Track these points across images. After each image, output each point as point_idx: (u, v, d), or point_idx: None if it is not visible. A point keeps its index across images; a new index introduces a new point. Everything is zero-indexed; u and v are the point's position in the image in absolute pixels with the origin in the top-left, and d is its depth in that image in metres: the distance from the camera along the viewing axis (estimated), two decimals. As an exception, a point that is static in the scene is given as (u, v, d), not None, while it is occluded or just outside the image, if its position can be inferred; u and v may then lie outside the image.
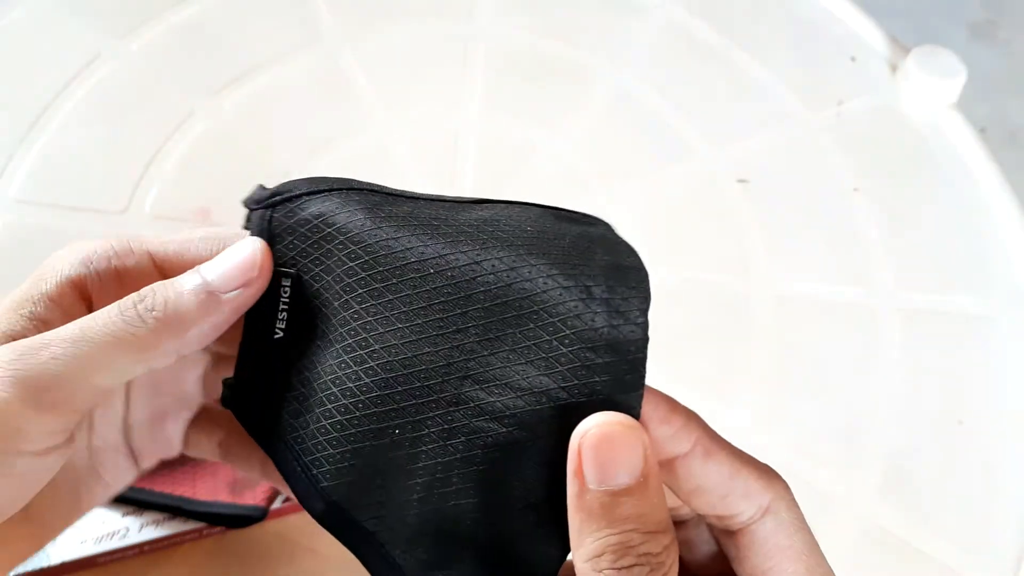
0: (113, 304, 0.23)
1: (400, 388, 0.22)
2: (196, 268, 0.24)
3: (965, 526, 0.46)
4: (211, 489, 0.40)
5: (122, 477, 0.28)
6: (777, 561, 0.22)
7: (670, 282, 0.53)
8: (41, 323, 0.23)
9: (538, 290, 0.22)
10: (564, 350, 0.22)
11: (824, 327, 0.52)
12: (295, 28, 0.62)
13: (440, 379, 0.22)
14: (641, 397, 0.22)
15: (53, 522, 0.26)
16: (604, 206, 0.56)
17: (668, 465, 0.23)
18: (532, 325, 0.22)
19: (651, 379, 0.23)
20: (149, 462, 0.28)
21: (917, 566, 0.45)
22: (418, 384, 0.22)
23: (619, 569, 0.20)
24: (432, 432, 0.22)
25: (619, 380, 0.22)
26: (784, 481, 0.23)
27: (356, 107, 0.58)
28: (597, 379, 0.22)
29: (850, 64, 0.65)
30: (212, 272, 0.23)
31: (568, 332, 0.22)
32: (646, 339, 0.22)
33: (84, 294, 0.24)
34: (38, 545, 0.25)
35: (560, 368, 0.22)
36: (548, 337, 0.22)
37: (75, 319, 0.23)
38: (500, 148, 0.58)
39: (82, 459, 0.26)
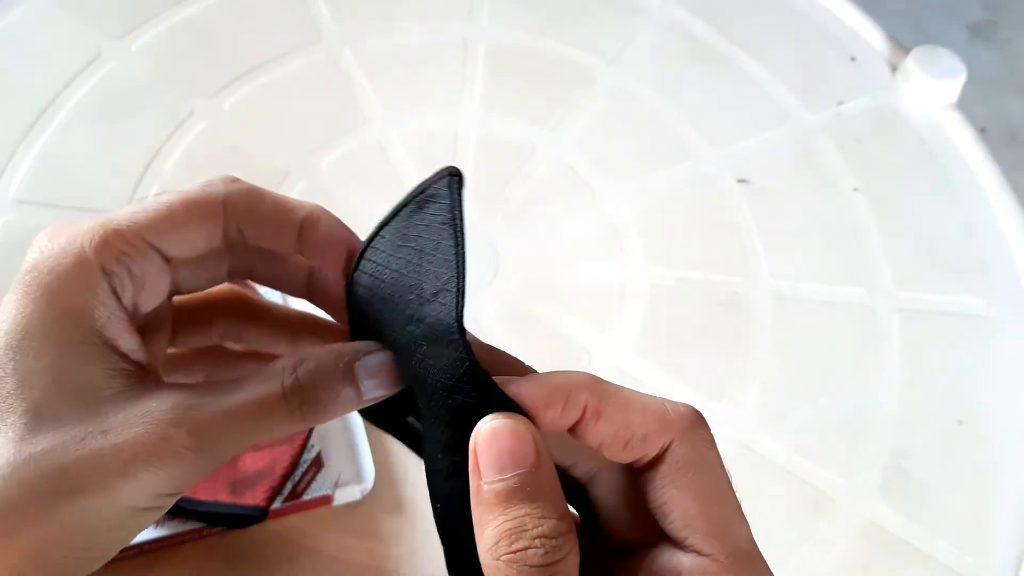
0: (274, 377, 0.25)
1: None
2: (354, 375, 0.26)
3: (965, 526, 0.46)
4: (211, 489, 0.40)
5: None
6: (669, 496, 0.23)
7: (670, 282, 0.53)
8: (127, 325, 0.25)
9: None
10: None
11: (824, 327, 0.52)
12: (295, 28, 0.62)
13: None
14: (492, 390, 0.23)
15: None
16: (604, 206, 0.56)
17: (572, 432, 0.24)
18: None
19: (652, 378, 0.23)
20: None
21: (917, 566, 0.45)
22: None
23: (514, 552, 0.21)
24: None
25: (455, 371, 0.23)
26: (690, 420, 0.24)
27: (356, 107, 0.58)
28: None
29: (850, 64, 0.65)
30: (366, 375, 0.25)
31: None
32: (454, 323, 0.23)
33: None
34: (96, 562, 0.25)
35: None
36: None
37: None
38: (500, 148, 0.58)
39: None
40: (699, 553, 0.23)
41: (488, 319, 0.50)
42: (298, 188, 0.54)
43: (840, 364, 0.51)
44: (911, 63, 0.62)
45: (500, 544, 0.21)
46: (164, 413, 0.23)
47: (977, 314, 0.53)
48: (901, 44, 0.65)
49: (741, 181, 0.58)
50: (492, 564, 0.21)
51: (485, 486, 0.22)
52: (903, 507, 0.46)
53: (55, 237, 0.25)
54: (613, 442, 0.24)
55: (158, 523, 0.39)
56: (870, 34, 0.66)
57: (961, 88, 0.62)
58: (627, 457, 0.24)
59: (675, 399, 0.24)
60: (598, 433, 0.24)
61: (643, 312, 0.52)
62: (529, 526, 0.21)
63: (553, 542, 0.21)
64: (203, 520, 0.40)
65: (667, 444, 0.24)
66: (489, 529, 0.21)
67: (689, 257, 0.54)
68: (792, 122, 0.61)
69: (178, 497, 0.24)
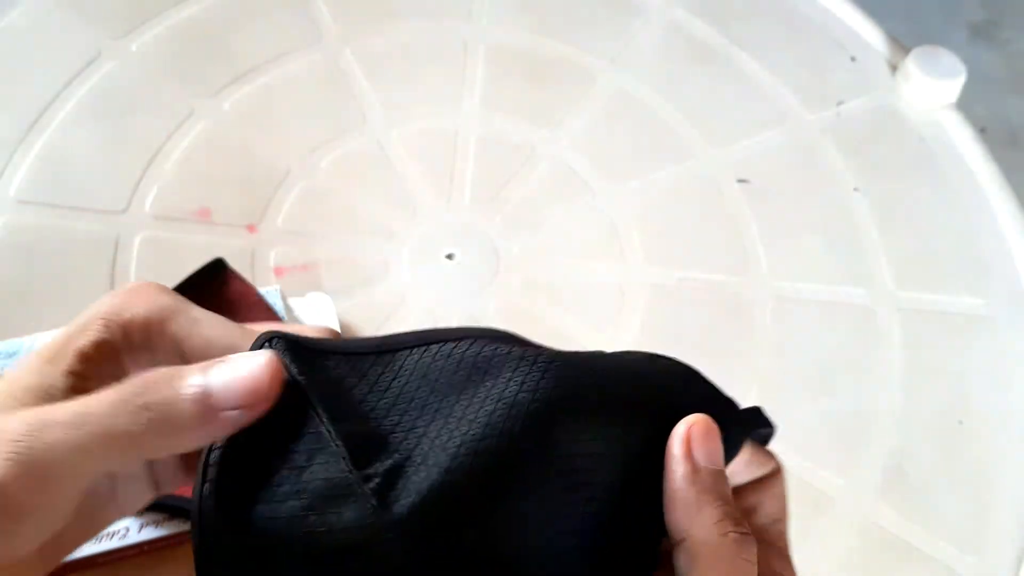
0: (118, 389, 0.22)
1: None
2: (204, 367, 0.23)
3: (965, 526, 0.46)
4: (211, 489, 0.40)
5: (138, 502, 0.28)
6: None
7: (670, 282, 0.53)
8: (77, 377, 0.23)
9: None
10: None
11: (824, 327, 0.52)
12: (295, 28, 0.62)
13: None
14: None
15: (62, 547, 0.25)
16: (604, 206, 0.56)
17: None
18: None
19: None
20: (169, 489, 0.28)
21: (917, 566, 0.45)
22: None
23: (741, 534, 0.23)
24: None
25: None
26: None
27: (356, 107, 0.58)
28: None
29: (850, 64, 0.65)
30: (217, 379, 0.23)
31: None
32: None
33: (115, 352, 0.24)
34: (48, 566, 0.25)
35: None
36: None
37: (105, 380, 0.22)
38: (500, 148, 0.58)
39: (102, 486, 0.26)
40: None
41: (488, 319, 0.50)
42: (298, 188, 0.54)
43: (840, 364, 0.51)
44: (911, 63, 0.62)
45: (725, 522, 0.23)
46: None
47: (977, 314, 0.53)
48: (901, 44, 0.65)
49: (741, 181, 0.58)
50: (718, 540, 0.22)
51: (703, 471, 0.23)
52: (903, 507, 0.46)
53: None
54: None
55: (158, 523, 0.39)
56: (870, 34, 0.66)
57: (961, 88, 0.62)
58: None
59: None
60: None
61: (643, 312, 0.52)
62: (738, 517, 0.23)
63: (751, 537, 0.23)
64: (203, 520, 0.40)
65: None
66: (711, 508, 0.23)
67: (689, 257, 0.54)
68: (792, 122, 0.61)
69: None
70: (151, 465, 0.27)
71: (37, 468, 0.21)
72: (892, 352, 0.51)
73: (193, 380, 0.23)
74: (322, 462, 0.22)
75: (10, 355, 0.41)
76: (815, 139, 0.60)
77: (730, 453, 0.25)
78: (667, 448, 0.24)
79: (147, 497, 0.28)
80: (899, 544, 0.45)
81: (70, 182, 0.53)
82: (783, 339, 0.51)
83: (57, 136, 0.55)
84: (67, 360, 0.24)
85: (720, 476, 0.24)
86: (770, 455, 0.27)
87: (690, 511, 0.23)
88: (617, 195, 0.57)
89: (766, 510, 0.27)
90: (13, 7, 0.60)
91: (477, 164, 0.57)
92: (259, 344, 0.24)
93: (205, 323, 0.25)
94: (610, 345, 0.50)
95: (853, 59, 0.65)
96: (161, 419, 0.22)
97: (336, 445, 0.22)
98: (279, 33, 0.61)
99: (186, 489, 0.29)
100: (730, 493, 0.24)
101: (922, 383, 0.50)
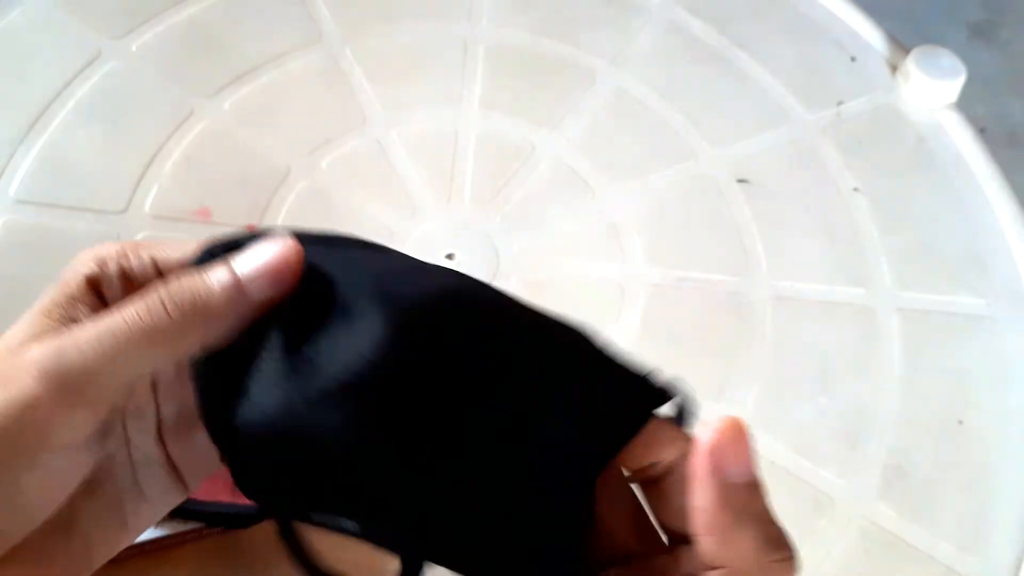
0: (140, 294, 0.23)
1: None
2: (221, 261, 0.24)
3: (965, 526, 0.46)
4: (211, 489, 0.40)
5: (167, 496, 0.28)
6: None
7: (670, 282, 0.53)
8: (71, 324, 0.23)
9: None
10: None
11: (824, 327, 0.52)
12: (295, 28, 0.62)
13: None
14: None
15: (99, 545, 0.25)
16: (604, 206, 0.56)
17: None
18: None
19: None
20: (194, 479, 0.28)
21: (917, 566, 0.45)
22: None
23: (785, 559, 0.20)
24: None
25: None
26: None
27: (356, 107, 0.58)
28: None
29: (850, 64, 0.65)
30: (242, 264, 0.23)
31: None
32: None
33: (102, 295, 0.25)
34: (85, 568, 0.25)
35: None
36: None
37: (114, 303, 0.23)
38: (500, 148, 0.58)
39: (124, 476, 0.26)
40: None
41: (488, 319, 0.50)
42: (298, 188, 0.54)
43: (840, 364, 0.51)
44: (911, 63, 0.62)
45: (767, 548, 0.20)
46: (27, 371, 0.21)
47: (977, 314, 0.53)
48: (901, 44, 0.65)
49: (741, 181, 0.58)
50: (761, 571, 0.20)
51: (734, 489, 0.20)
52: (903, 507, 0.46)
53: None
54: (637, 443, 0.23)
55: (158, 523, 0.39)
56: (870, 34, 0.66)
57: (961, 88, 0.62)
58: (644, 460, 0.24)
59: None
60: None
61: (643, 312, 0.52)
62: (784, 533, 0.20)
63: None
64: (203, 520, 0.40)
65: (688, 448, 0.23)
66: (752, 533, 0.20)
67: (689, 257, 0.54)
68: (792, 122, 0.61)
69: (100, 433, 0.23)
70: (165, 442, 0.26)
71: (68, 382, 0.21)
72: (892, 352, 0.51)
73: (218, 270, 0.23)
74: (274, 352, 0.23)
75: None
76: (815, 139, 0.60)
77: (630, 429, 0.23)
78: (691, 461, 0.21)
79: (176, 490, 0.27)
80: (899, 544, 0.45)
81: (70, 182, 0.53)
82: (783, 339, 0.51)
83: (57, 136, 0.55)
84: (60, 309, 0.24)
85: (755, 489, 0.21)
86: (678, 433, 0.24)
87: (726, 537, 0.20)
88: (617, 195, 0.57)
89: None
90: (13, 7, 0.60)
91: (477, 164, 0.57)
92: (204, 251, 0.25)
93: (177, 245, 0.25)
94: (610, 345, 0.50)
95: (853, 59, 0.65)
96: (192, 309, 0.23)
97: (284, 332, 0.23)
98: (279, 33, 0.61)
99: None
100: (767, 505, 0.21)
101: (922, 383, 0.50)
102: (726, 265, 0.54)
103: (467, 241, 0.53)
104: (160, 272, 0.25)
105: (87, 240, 0.50)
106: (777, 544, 0.20)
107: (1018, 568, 0.45)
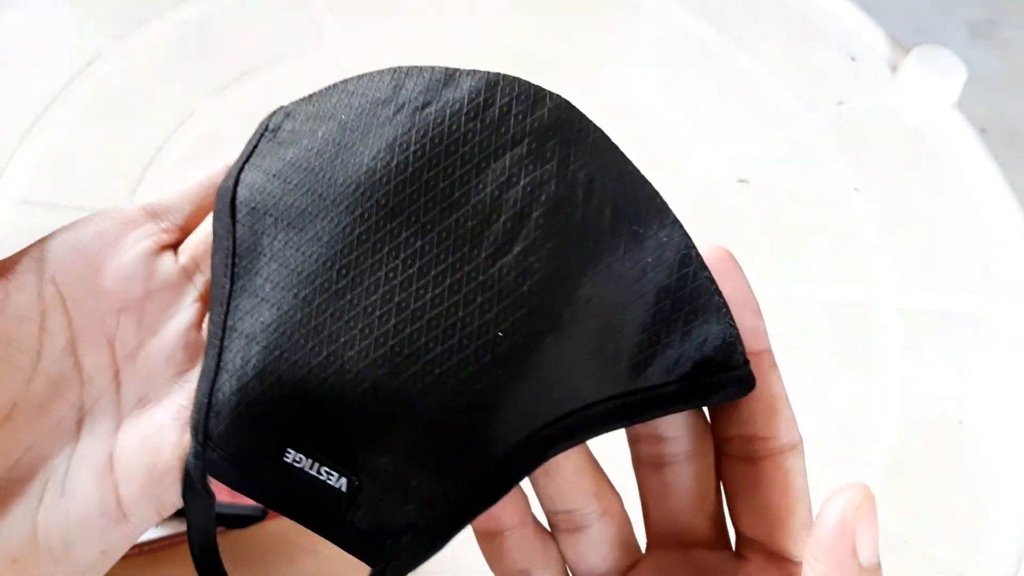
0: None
1: None
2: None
3: (965, 526, 0.46)
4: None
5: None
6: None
7: (670, 282, 0.53)
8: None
9: None
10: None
11: (824, 327, 0.52)
12: (295, 28, 0.62)
13: None
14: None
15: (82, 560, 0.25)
16: (604, 206, 0.56)
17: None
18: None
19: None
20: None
21: (917, 566, 0.45)
22: None
23: None
24: None
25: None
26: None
27: (356, 107, 0.58)
28: None
29: (850, 64, 0.65)
30: None
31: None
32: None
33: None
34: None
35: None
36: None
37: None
38: (500, 148, 0.58)
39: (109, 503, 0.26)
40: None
41: (488, 319, 0.50)
42: (298, 188, 0.54)
43: (840, 364, 0.51)
44: (911, 63, 0.62)
45: None
46: None
47: (977, 314, 0.53)
48: (901, 44, 0.65)
49: (741, 181, 0.58)
50: None
51: (865, 571, 0.19)
52: (903, 507, 0.46)
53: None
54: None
55: (158, 523, 0.39)
56: (870, 34, 0.66)
57: (961, 88, 0.62)
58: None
59: None
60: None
61: (643, 312, 0.52)
62: None
63: None
64: (203, 520, 0.40)
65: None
66: None
67: (689, 257, 0.54)
68: (792, 122, 0.61)
69: None
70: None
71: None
72: (892, 352, 0.51)
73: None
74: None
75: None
76: (815, 139, 0.60)
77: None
78: (816, 532, 0.19)
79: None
80: (899, 544, 0.45)
81: (70, 182, 0.53)
82: (783, 339, 0.51)
83: (57, 136, 0.55)
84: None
85: (877, 573, 0.19)
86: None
87: None
88: (617, 195, 0.57)
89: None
90: (13, 7, 0.60)
91: (477, 164, 0.57)
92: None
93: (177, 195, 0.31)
94: (610, 345, 0.50)
95: (853, 59, 0.65)
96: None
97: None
98: (279, 33, 0.61)
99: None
100: None
101: (922, 383, 0.50)
102: (726, 265, 0.54)
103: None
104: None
105: (87, 240, 0.50)
106: None
107: (1018, 568, 0.45)
